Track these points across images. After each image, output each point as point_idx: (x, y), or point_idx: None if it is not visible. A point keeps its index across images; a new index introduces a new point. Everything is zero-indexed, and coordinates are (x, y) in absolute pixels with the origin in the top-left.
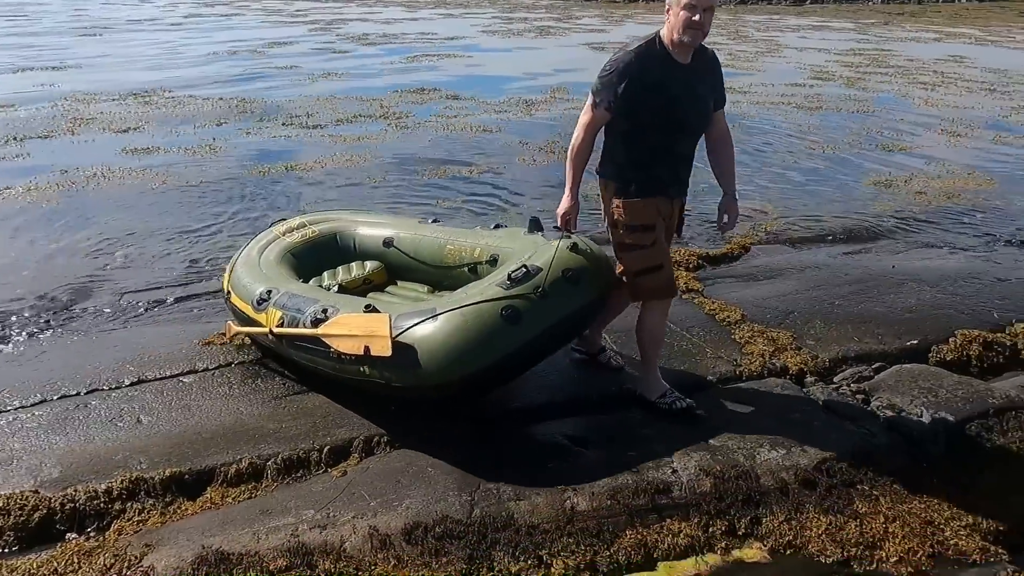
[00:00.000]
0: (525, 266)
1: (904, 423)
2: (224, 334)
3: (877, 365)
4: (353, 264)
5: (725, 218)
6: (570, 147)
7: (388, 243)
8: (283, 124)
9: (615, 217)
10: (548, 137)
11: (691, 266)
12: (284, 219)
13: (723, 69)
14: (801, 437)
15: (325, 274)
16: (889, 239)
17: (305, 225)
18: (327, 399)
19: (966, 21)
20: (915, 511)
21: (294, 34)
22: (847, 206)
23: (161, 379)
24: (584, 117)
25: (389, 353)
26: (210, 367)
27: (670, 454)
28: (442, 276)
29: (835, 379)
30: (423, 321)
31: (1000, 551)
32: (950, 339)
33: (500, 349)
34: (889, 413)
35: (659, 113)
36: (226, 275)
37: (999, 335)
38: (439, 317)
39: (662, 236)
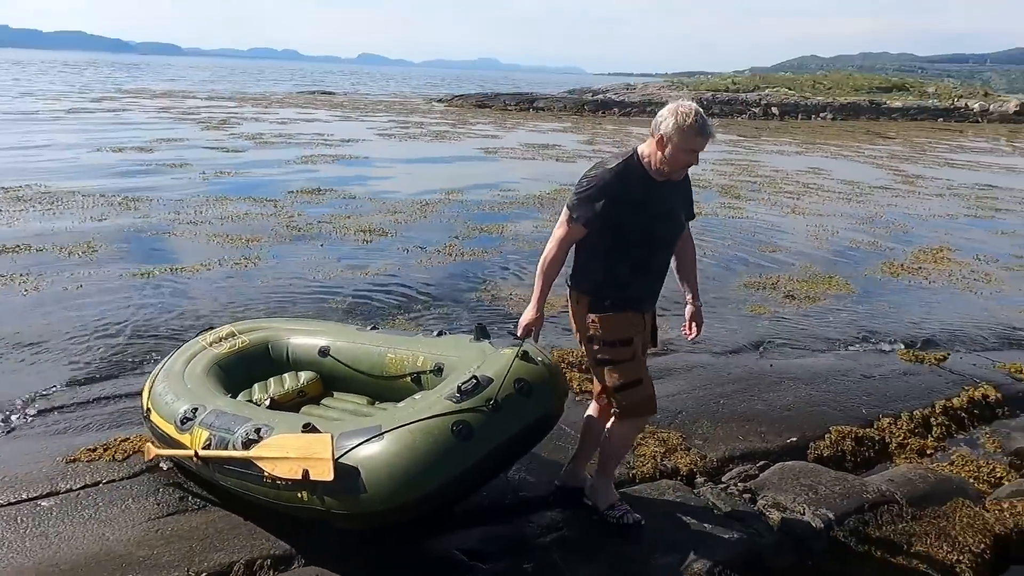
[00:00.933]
0: (475, 377)
1: (788, 522)
2: (145, 454)
3: (761, 463)
4: (286, 376)
5: (693, 326)
6: (542, 259)
7: (324, 352)
8: (169, 223)
9: (591, 332)
10: (444, 239)
11: (584, 368)
12: (211, 327)
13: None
14: (694, 541)
15: (256, 387)
16: (765, 339)
17: (234, 334)
18: (208, 518)
19: (821, 137)
20: None
21: (185, 133)
22: (726, 307)
23: (14, 504)
24: (559, 231)
25: (331, 477)
26: (74, 487)
27: (568, 564)
28: (383, 387)
29: (723, 479)
30: (368, 441)
31: None
32: (825, 435)
33: (452, 468)
34: (775, 512)
35: (639, 231)
36: (145, 391)
37: (868, 430)
38: (385, 436)
39: (639, 350)
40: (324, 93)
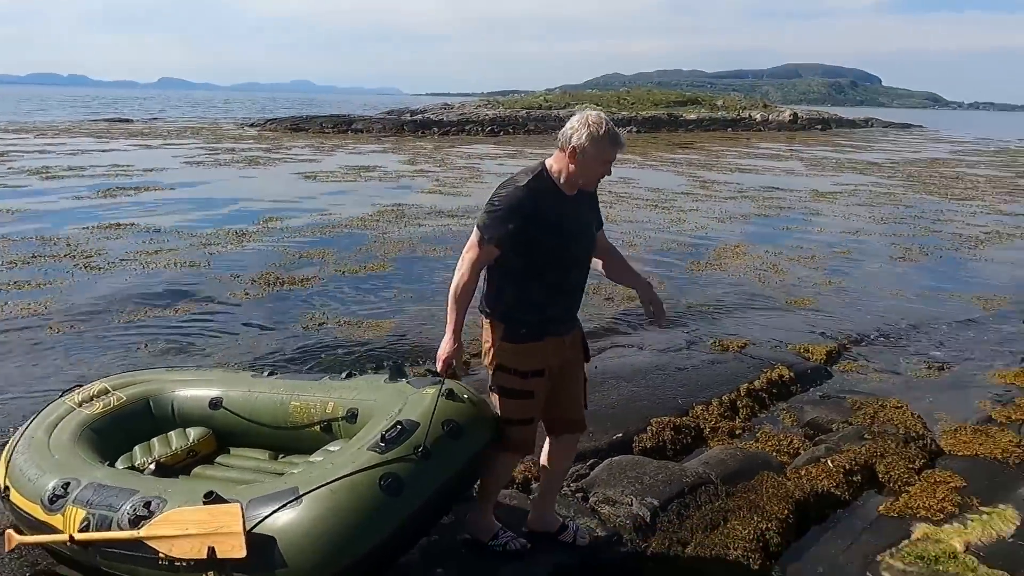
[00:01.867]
0: (399, 422)
1: (618, 514)
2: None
3: (591, 461)
4: (172, 434)
5: (651, 308)
6: (453, 286)
7: (215, 404)
8: None
9: (502, 362)
10: (262, 268)
11: None
12: (79, 385)
13: (431, 195)
14: (534, 545)
15: (137, 450)
16: (589, 341)
17: (107, 391)
18: None
19: (630, 149)
20: None
21: None
22: None
23: None
24: (469, 254)
25: (243, 554)
26: None
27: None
28: (288, 439)
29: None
30: (284, 506)
31: None
32: (647, 428)
33: (383, 528)
34: (605, 507)
35: (554, 251)
36: (0, 466)
37: (684, 419)
38: (304, 499)
39: (544, 387)
40: (120, 121)
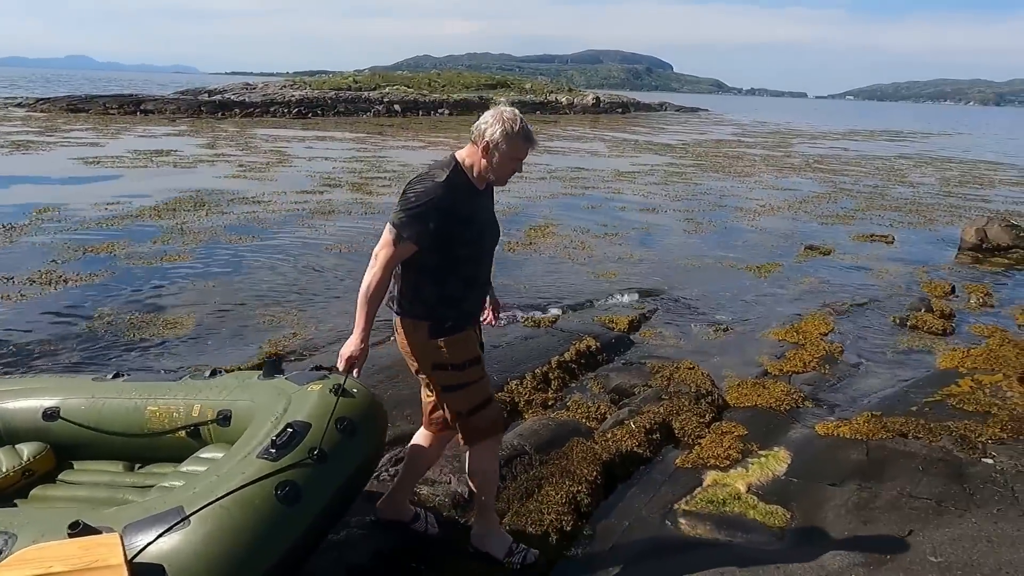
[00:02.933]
0: (290, 425)
1: (437, 493)
2: None
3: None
4: None
5: (489, 313)
6: (365, 285)
7: (51, 415)
8: None
9: (438, 359)
10: (39, 266)
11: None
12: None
13: (234, 180)
14: (349, 539)
15: None
16: None
17: None
18: None
19: (442, 132)
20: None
21: None
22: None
23: None
24: (384, 252)
25: None
26: None
27: None
28: (144, 447)
29: (379, 466)
30: (170, 529)
31: None
32: None
33: (283, 541)
34: (424, 488)
35: (471, 244)
36: None
37: (500, 394)
38: (192, 519)
39: (482, 373)
40: None
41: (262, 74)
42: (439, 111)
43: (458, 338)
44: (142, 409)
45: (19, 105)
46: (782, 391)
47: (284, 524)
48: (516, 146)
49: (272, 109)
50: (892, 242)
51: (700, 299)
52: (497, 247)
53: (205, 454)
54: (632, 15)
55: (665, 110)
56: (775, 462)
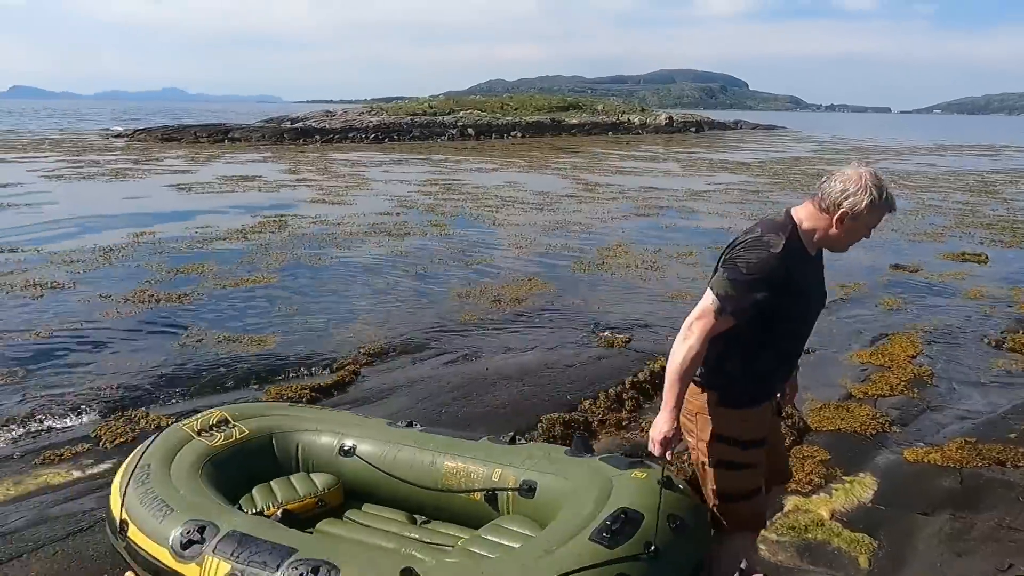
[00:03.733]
0: (624, 511)
1: None
2: None
3: None
4: (294, 478)
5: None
6: (680, 359)
7: (348, 452)
8: None
9: (719, 431)
10: (134, 286)
11: (305, 399)
12: (196, 412)
13: (314, 204)
14: None
15: (256, 492)
16: (479, 344)
17: (227, 421)
18: None
19: (515, 155)
20: None
21: None
22: (441, 319)
23: None
24: (701, 323)
25: None
26: None
27: None
28: (434, 502)
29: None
30: None
31: None
32: (538, 424)
33: None
34: None
35: (796, 320)
36: (115, 492)
37: (573, 413)
38: None
39: (764, 459)
40: None
41: (341, 101)
42: (512, 134)
43: (753, 412)
44: (439, 464)
45: (118, 136)
46: (867, 415)
47: None
48: (879, 217)
49: (351, 135)
50: (985, 261)
51: None
52: (568, 267)
53: (508, 524)
54: (706, 34)
55: (740, 128)
56: (860, 488)
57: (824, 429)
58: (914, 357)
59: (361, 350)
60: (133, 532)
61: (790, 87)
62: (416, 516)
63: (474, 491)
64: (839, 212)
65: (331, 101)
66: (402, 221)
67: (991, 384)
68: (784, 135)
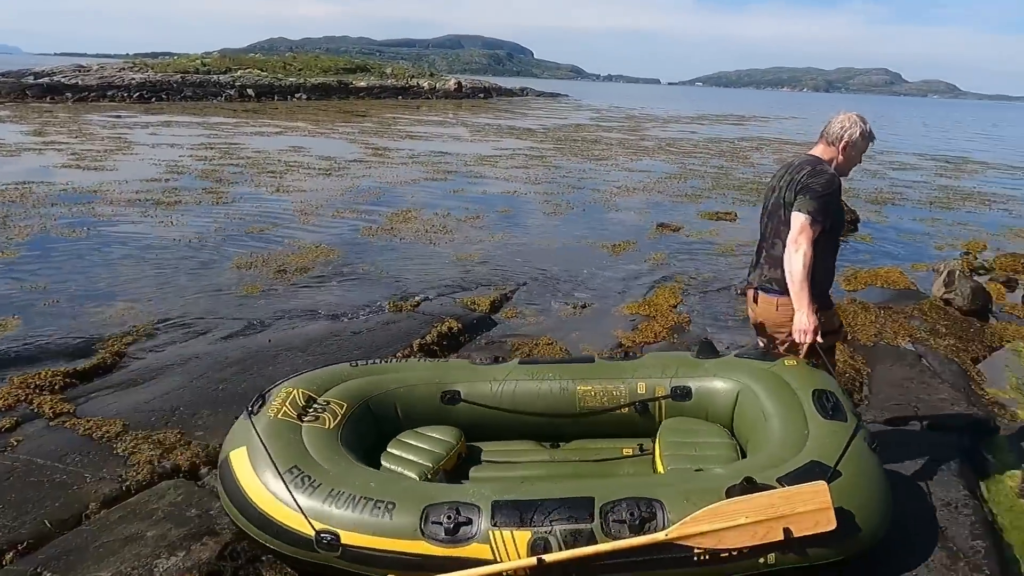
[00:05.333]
0: (823, 391)
1: None
2: None
3: None
4: (409, 438)
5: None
6: (801, 268)
7: (452, 398)
8: None
9: (824, 328)
10: None
11: (56, 387)
12: (260, 399)
13: (66, 170)
14: (201, 531)
15: (383, 461)
16: (261, 316)
17: (313, 399)
18: None
19: (299, 117)
20: None
21: None
22: (219, 292)
23: None
24: (805, 235)
25: (834, 525)
26: None
27: None
28: (572, 425)
29: None
30: (832, 479)
31: None
32: None
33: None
34: None
35: (842, 226)
36: (273, 508)
37: None
38: (840, 472)
39: None
40: None
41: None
42: (296, 96)
43: (832, 311)
44: (571, 389)
45: None
46: None
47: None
48: (867, 144)
49: (110, 93)
50: (735, 219)
51: (560, 278)
52: (357, 233)
53: (684, 425)
54: (494, 2)
55: (526, 95)
56: None
57: None
58: (675, 306)
59: (125, 329)
60: (352, 537)
61: (573, 57)
62: (543, 443)
63: (623, 406)
64: (843, 143)
65: (84, 55)
66: (173, 188)
67: (736, 326)
68: (567, 103)
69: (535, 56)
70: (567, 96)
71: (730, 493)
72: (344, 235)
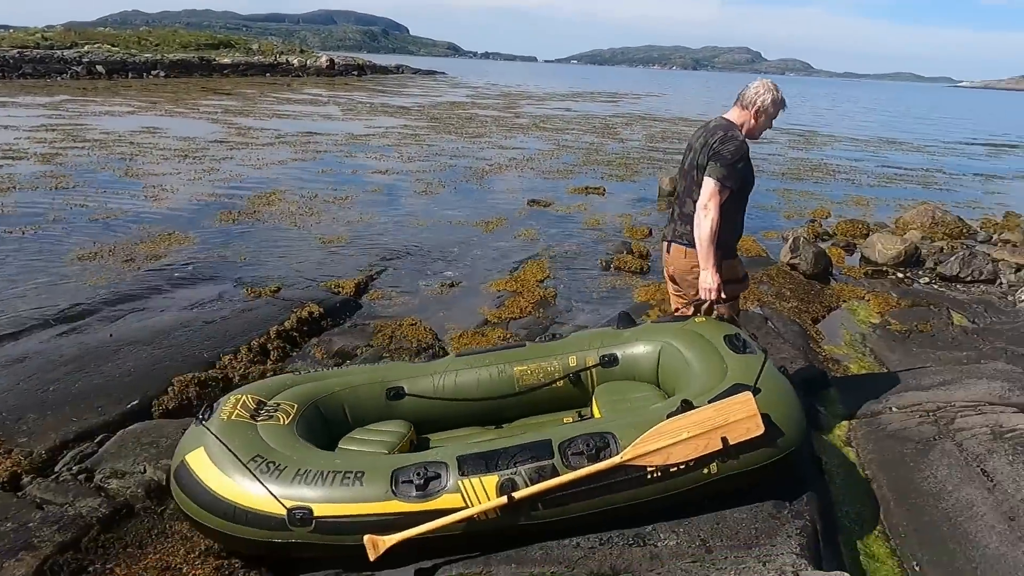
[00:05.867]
0: (734, 335)
1: (128, 485)
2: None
3: (101, 437)
4: (360, 434)
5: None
6: (709, 230)
7: (397, 394)
8: None
9: (726, 277)
10: None
11: None
12: (208, 407)
13: None
14: (16, 546)
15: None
16: (103, 309)
17: (263, 402)
18: None
19: (156, 96)
20: (151, 564)
21: None
22: (56, 286)
23: None
24: (714, 200)
25: (763, 429)
26: None
27: None
28: (513, 405)
29: (56, 468)
30: (756, 393)
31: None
32: (168, 388)
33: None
34: (113, 481)
35: (750, 187)
36: (243, 495)
37: (211, 371)
38: (760, 389)
39: None
40: None
41: None
42: (153, 73)
43: (736, 260)
44: (508, 372)
45: None
46: (499, 336)
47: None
48: (777, 109)
49: None
50: (603, 193)
51: (429, 257)
52: (214, 218)
53: (616, 386)
54: None
55: (402, 73)
56: None
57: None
58: (542, 281)
59: None
60: (325, 509)
61: (449, 34)
62: (488, 426)
63: (558, 380)
64: (755, 108)
65: None
66: (5, 175)
67: (600, 299)
68: (443, 81)
69: (411, 33)
70: (444, 74)
71: (670, 416)
72: (201, 220)
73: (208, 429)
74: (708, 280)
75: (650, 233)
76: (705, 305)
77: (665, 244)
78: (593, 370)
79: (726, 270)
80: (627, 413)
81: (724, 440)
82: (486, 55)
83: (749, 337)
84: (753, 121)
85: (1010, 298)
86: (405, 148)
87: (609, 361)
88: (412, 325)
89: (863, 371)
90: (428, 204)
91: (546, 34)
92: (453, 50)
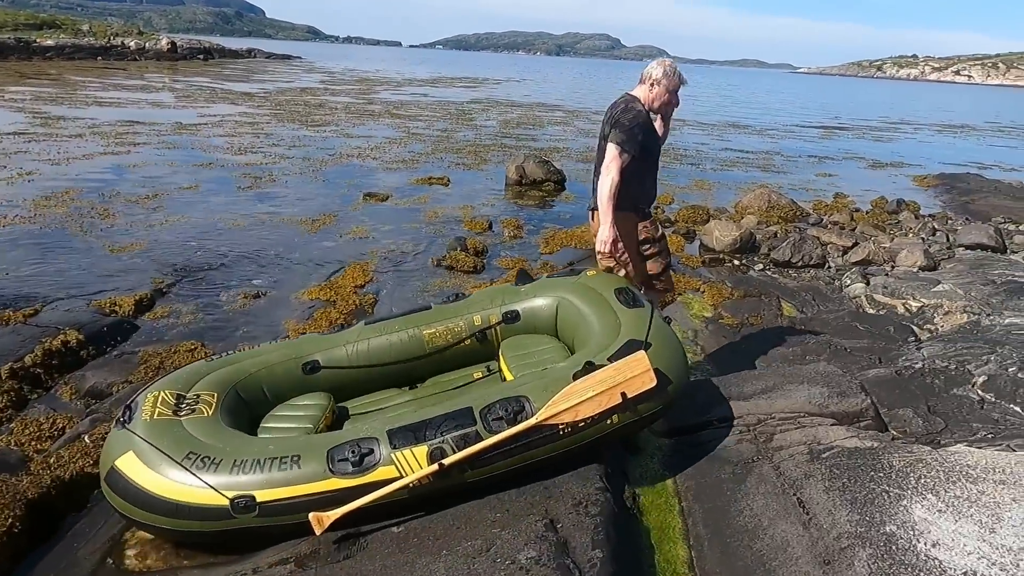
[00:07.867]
0: (624, 289)
1: None
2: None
3: None
4: (281, 410)
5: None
6: (608, 190)
7: (313, 368)
8: None
9: (644, 236)
10: None
11: None
12: (127, 408)
13: None
14: None
15: (262, 436)
16: None
17: (182, 396)
18: None
19: None
20: None
21: None
22: None
23: None
24: (615, 163)
25: (655, 382)
26: None
27: None
28: (425, 365)
29: None
30: (646, 348)
31: None
32: None
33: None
34: None
35: (655, 152)
36: (187, 493)
37: None
38: (651, 343)
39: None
40: None
41: None
42: None
43: (649, 222)
44: (418, 335)
45: None
46: None
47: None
48: (672, 82)
49: None
50: (448, 184)
51: (238, 263)
52: None
53: (520, 340)
54: None
55: (254, 57)
56: None
57: None
58: (362, 287)
59: None
60: (266, 494)
61: (309, 17)
62: (404, 388)
63: (465, 339)
64: (649, 80)
65: None
66: None
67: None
68: (298, 65)
69: (267, 16)
70: (300, 58)
71: (576, 377)
72: None
73: (133, 432)
74: (605, 233)
75: (490, 227)
76: (602, 259)
77: (590, 213)
78: (497, 327)
79: (641, 230)
80: (538, 375)
81: (623, 395)
82: (349, 39)
83: (637, 291)
84: (651, 93)
85: (836, 283)
86: (238, 138)
87: (512, 317)
88: (190, 351)
89: (692, 377)
90: (251, 201)
91: (411, 18)
92: (313, 34)
